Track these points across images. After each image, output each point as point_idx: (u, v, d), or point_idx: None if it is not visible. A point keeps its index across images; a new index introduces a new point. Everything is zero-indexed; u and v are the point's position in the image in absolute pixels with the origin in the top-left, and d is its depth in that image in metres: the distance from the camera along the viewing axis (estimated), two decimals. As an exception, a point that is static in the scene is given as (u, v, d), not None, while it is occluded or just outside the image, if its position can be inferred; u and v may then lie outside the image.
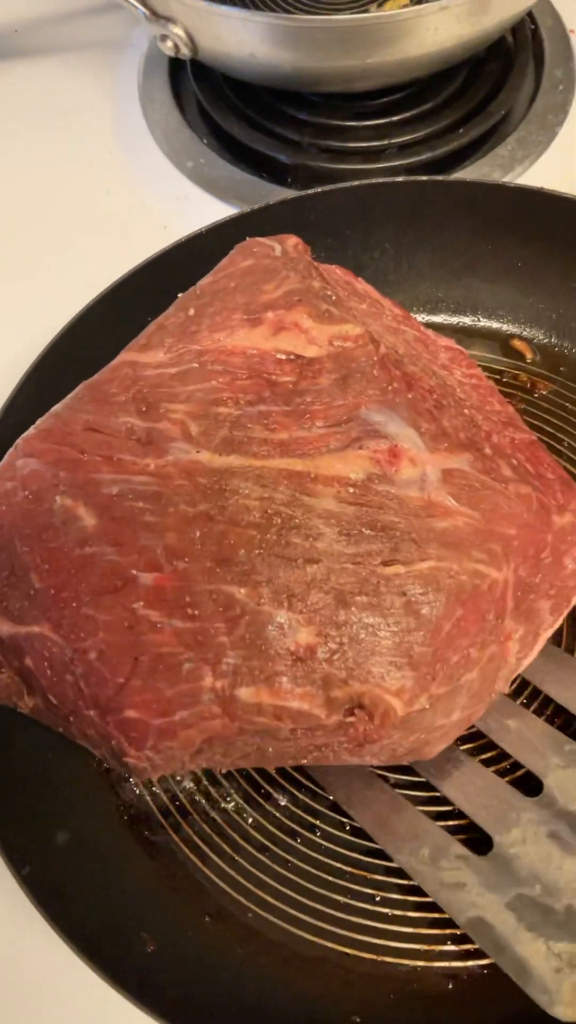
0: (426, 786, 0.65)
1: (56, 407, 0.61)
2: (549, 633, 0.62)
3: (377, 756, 0.57)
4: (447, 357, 0.69)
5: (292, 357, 0.59)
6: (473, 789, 0.63)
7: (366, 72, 0.95)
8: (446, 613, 0.53)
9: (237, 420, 0.57)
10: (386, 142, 1.04)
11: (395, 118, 1.06)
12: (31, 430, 0.60)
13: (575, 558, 0.60)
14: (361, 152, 1.04)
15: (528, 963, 0.56)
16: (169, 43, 1.00)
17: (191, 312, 0.63)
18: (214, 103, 1.10)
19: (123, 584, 0.53)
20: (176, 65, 1.17)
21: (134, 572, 0.54)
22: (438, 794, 0.65)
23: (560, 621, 0.62)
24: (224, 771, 0.62)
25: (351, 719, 0.52)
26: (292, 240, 0.67)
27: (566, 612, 0.62)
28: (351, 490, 0.55)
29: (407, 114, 1.07)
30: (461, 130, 1.04)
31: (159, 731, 0.53)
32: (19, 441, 0.60)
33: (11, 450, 0.60)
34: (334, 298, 0.62)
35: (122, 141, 1.10)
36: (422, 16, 0.87)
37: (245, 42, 0.92)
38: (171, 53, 1.01)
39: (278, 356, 0.60)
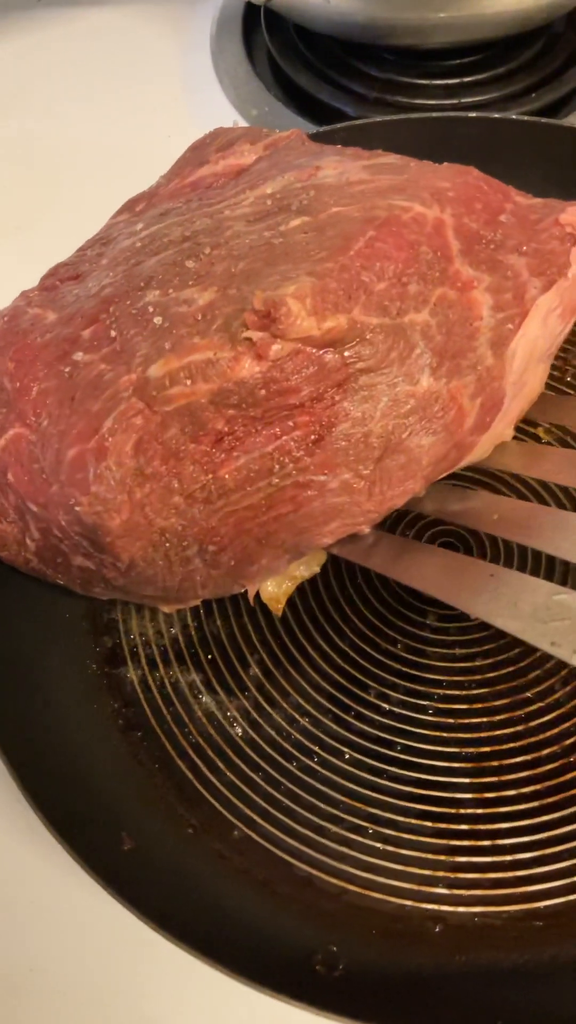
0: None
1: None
2: (541, 301, 0.53)
3: (353, 467, 0.50)
4: None
5: (233, 170, 0.63)
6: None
7: (439, 27, 0.96)
8: (354, 234, 0.48)
9: (179, 209, 0.61)
10: (456, 101, 1.03)
11: (467, 79, 1.06)
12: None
13: (556, 222, 0.54)
14: (429, 110, 1.03)
15: None
16: (244, -15, 1.00)
17: (155, 184, 0.70)
18: (285, 54, 1.13)
19: (70, 347, 0.55)
20: (250, 19, 1.19)
21: (80, 332, 0.55)
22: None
23: (554, 292, 0.54)
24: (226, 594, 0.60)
25: (249, 336, 0.47)
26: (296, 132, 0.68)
27: (560, 282, 0.55)
28: (268, 197, 0.55)
29: (479, 76, 1.06)
30: (534, 95, 1.04)
31: (93, 454, 0.51)
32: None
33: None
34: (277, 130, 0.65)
35: (190, 90, 1.14)
36: (501, -32, 0.86)
37: (320, -14, 0.91)
38: None
39: (220, 171, 0.64)
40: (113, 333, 0.53)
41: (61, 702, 0.66)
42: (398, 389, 0.49)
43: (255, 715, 0.65)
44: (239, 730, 0.63)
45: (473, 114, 0.83)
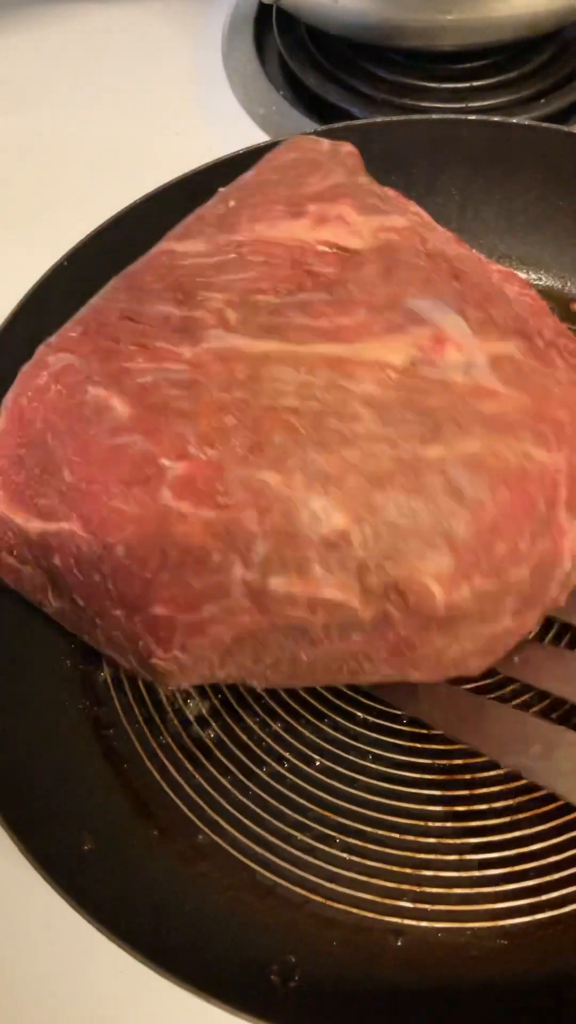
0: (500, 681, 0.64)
1: (92, 299, 0.59)
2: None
3: (419, 667, 0.54)
4: (499, 277, 0.65)
5: (334, 249, 0.57)
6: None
7: (448, 29, 0.94)
8: (491, 495, 0.50)
9: (276, 308, 0.55)
10: (463, 105, 1.01)
11: (476, 83, 1.04)
12: (67, 324, 0.58)
13: None
14: (436, 112, 1.01)
15: None
16: (256, -17, 0.98)
17: (231, 204, 0.61)
18: (294, 54, 1.11)
19: (153, 474, 0.51)
20: (262, 18, 1.19)
21: (165, 461, 0.51)
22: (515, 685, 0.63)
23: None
24: (255, 685, 0.59)
25: (387, 606, 0.49)
26: (347, 146, 0.65)
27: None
28: (393, 375, 0.52)
29: (488, 80, 1.04)
30: (543, 100, 1.02)
31: (187, 628, 0.51)
32: (52, 338, 0.58)
33: (41, 346, 0.58)
34: (381, 194, 0.60)
35: (199, 87, 1.13)
36: (513, -29, 0.83)
37: (330, -14, 0.91)
38: None
39: (320, 248, 0.57)
40: (220, 499, 0.50)
41: (33, 697, 0.65)
42: (481, 630, 0.52)
43: (227, 718, 0.64)
44: (211, 732, 0.63)
45: (474, 117, 0.80)
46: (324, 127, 0.79)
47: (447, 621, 0.51)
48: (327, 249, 0.57)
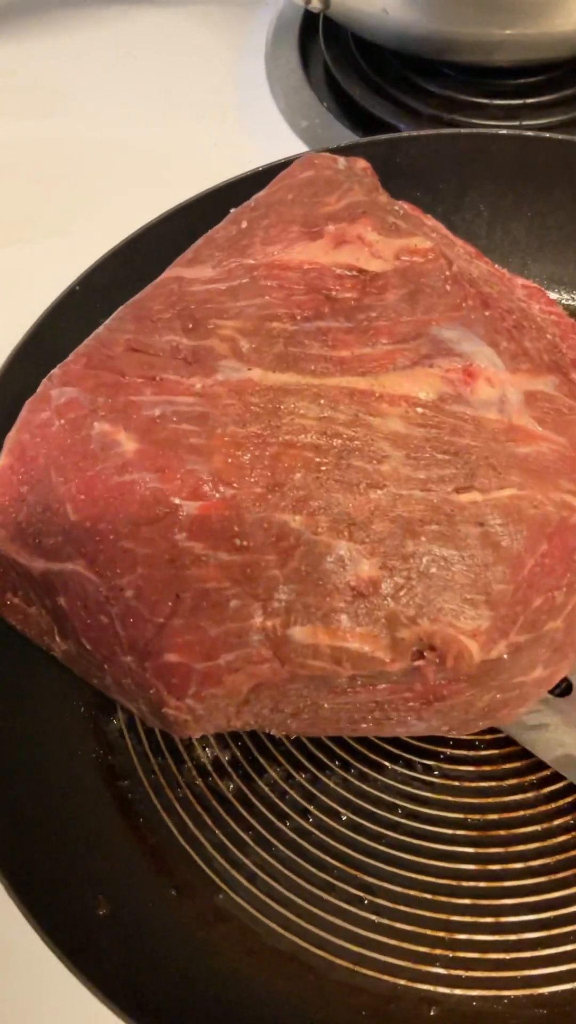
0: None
1: (97, 330, 0.56)
2: None
3: (446, 718, 0.52)
4: (524, 293, 0.63)
5: (354, 272, 0.55)
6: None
7: (504, 44, 0.90)
8: (529, 547, 0.47)
9: (293, 336, 0.52)
10: (516, 122, 0.97)
11: (529, 100, 1.00)
12: (70, 357, 0.55)
13: None
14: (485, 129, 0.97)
15: None
16: (302, -9, 0.95)
17: (243, 225, 0.58)
18: (340, 65, 1.07)
19: (165, 514, 0.48)
20: (307, 26, 1.15)
21: (177, 500, 0.48)
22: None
23: None
24: (274, 733, 0.57)
25: (419, 663, 0.46)
26: (361, 163, 0.63)
27: None
28: (420, 410, 0.50)
29: (543, 98, 1.00)
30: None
31: (202, 676, 0.49)
32: (54, 371, 0.55)
33: (45, 380, 0.55)
34: (402, 213, 0.57)
35: (240, 96, 1.10)
36: (574, -14, 0.79)
37: (380, -6, 0.87)
38: (302, 3, 0.99)
39: (338, 271, 0.55)
40: (238, 541, 0.48)
41: (42, 746, 0.62)
42: (514, 680, 0.50)
43: (248, 768, 0.62)
44: (231, 784, 0.60)
45: (504, 131, 0.78)
46: (345, 143, 0.77)
47: (479, 674, 0.48)
48: (346, 272, 0.55)
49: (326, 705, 0.51)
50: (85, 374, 0.53)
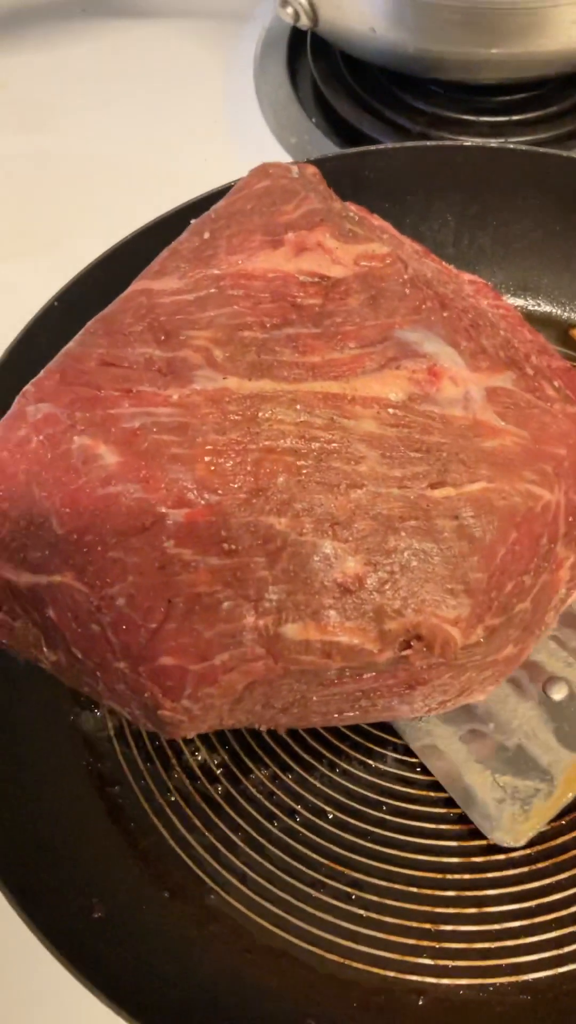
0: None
1: (68, 345, 0.57)
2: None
3: (427, 700, 0.54)
4: (472, 289, 0.65)
5: (317, 279, 0.56)
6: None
7: (490, 62, 0.91)
8: (500, 537, 0.50)
9: (264, 344, 0.54)
10: (502, 139, 0.98)
11: (515, 117, 1.01)
12: (42, 373, 0.56)
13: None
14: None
15: (474, 791, 0.60)
16: (290, 9, 0.97)
17: (206, 236, 0.59)
18: (328, 82, 1.07)
19: (152, 523, 0.49)
20: (295, 42, 1.14)
21: (163, 509, 0.49)
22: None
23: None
24: (264, 728, 0.58)
25: (407, 652, 0.48)
26: (311, 168, 0.64)
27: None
28: (392, 411, 0.52)
29: (529, 115, 1.02)
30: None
31: (198, 677, 0.50)
32: (27, 388, 0.55)
33: (19, 397, 0.55)
34: (357, 219, 0.59)
35: (229, 112, 1.09)
36: (559, 6, 0.82)
37: (367, 15, 0.89)
38: (290, 21, 0.98)
39: (301, 278, 0.56)
40: (227, 545, 0.49)
41: (32, 755, 0.63)
42: (488, 659, 0.53)
43: (236, 771, 0.63)
44: (219, 787, 0.61)
45: (469, 143, 0.80)
46: (313, 157, 0.78)
47: (458, 656, 0.51)
48: (309, 279, 0.56)
49: (314, 697, 0.52)
50: (60, 390, 0.54)
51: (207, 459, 0.50)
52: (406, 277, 0.56)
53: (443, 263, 0.68)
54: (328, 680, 0.51)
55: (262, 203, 0.60)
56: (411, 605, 0.48)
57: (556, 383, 0.58)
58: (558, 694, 0.63)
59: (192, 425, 0.51)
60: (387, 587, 0.48)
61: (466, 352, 0.55)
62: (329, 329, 0.55)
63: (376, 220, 0.66)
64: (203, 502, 0.49)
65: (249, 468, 0.50)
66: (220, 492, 0.49)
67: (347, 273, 0.56)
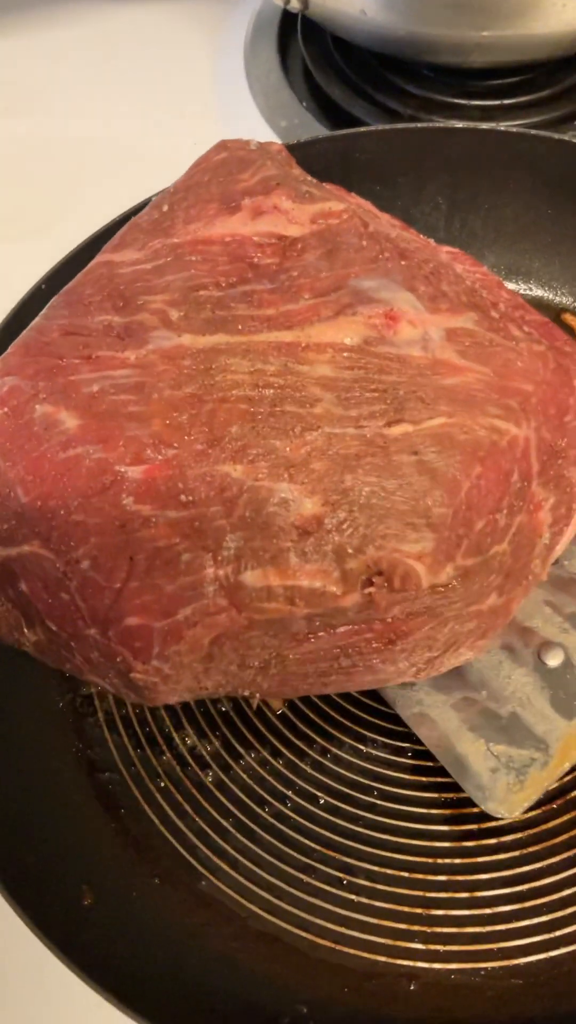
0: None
1: (34, 320, 0.57)
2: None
3: (411, 657, 0.52)
4: (449, 257, 0.64)
5: (274, 239, 0.56)
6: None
7: (481, 45, 0.90)
8: (463, 470, 0.48)
9: (220, 301, 0.54)
10: (493, 123, 0.95)
11: (506, 101, 1.01)
12: (8, 349, 0.56)
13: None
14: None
15: (467, 760, 0.58)
16: (281, -9, 0.96)
17: (165, 208, 0.60)
18: (319, 65, 1.07)
19: (111, 482, 0.49)
20: (286, 25, 1.14)
21: (121, 468, 0.49)
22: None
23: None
24: (247, 694, 0.56)
25: (370, 590, 0.47)
26: (276, 145, 0.65)
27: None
28: (347, 355, 0.51)
29: (519, 99, 1.01)
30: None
31: (163, 634, 0.49)
32: None
33: None
34: (315, 184, 0.59)
35: (219, 95, 1.09)
36: (551, -11, 0.81)
37: (357, -4, 0.88)
38: (281, 3, 0.99)
39: (258, 239, 0.56)
40: (184, 497, 0.48)
41: (22, 741, 0.62)
42: (470, 609, 0.51)
43: (227, 757, 0.63)
44: (210, 773, 0.61)
45: (460, 124, 0.79)
46: (304, 139, 0.78)
47: (433, 604, 0.49)
48: (266, 240, 0.56)
49: (291, 656, 0.51)
50: (24, 362, 0.54)
51: (162, 414, 0.50)
52: (364, 231, 0.56)
53: (421, 236, 0.67)
54: (300, 633, 0.49)
55: (218, 174, 0.60)
56: (371, 541, 0.47)
57: (526, 327, 0.56)
58: (553, 660, 0.60)
59: (148, 383, 0.51)
60: (346, 526, 0.47)
61: (425, 296, 0.54)
62: (284, 284, 0.54)
63: (354, 197, 0.66)
64: (160, 457, 0.49)
65: (204, 420, 0.49)
66: (176, 446, 0.49)
67: (304, 232, 0.56)
